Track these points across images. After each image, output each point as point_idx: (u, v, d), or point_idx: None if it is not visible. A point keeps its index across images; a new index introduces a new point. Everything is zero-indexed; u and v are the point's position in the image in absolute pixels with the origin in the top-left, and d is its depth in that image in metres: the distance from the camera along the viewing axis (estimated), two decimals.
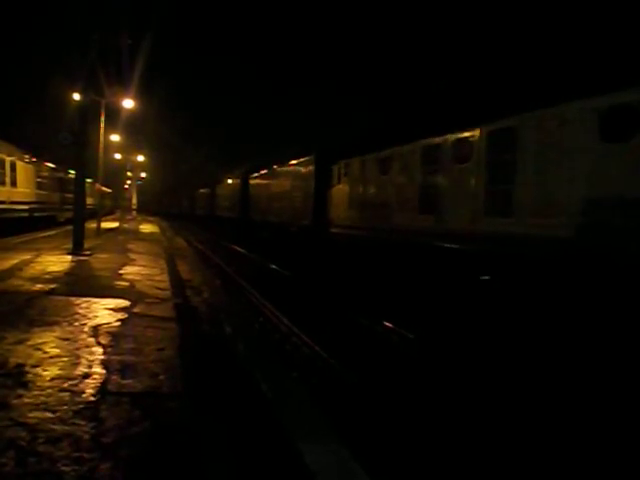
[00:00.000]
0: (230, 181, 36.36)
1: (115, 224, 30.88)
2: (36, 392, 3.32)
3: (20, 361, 3.91)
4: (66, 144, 11.83)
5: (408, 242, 11.42)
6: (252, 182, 29.75)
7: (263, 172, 27.19)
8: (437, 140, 10.76)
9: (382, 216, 13.01)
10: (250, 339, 6.27)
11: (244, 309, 9.98)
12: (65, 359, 4.03)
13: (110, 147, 30.85)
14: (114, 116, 23.73)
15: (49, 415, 2.98)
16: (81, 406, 3.14)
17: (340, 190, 16.13)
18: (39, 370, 3.74)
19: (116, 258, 11.80)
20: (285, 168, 22.71)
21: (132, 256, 12.58)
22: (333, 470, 2.77)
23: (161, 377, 3.77)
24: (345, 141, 17.06)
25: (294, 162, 21.24)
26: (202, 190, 50.78)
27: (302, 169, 19.99)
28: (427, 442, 4.45)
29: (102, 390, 3.43)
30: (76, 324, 5.18)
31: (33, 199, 22.54)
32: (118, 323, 5.36)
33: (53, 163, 26.30)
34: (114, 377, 3.69)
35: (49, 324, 5.10)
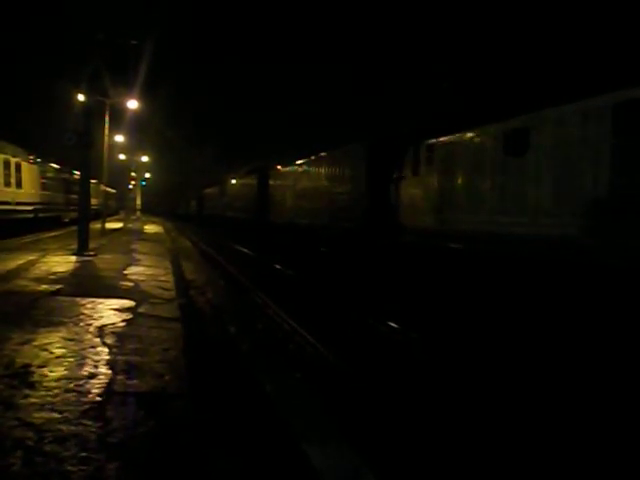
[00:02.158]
0: (244, 179, 33.18)
1: (119, 224, 30.95)
2: (42, 392, 3.34)
3: (26, 361, 3.93)
4: (71, 145, 11.87)
5: (568, 262, 7.35)
6: (272, 179, 26.38)
7: (287, 167, 23.79)
8: None
9: (514, 222, 8.60)
10: (254, 339, 6.29)
11: (248, 310, 9.97)
12: (71, 359, 4.05)
13: (114, 148, 30.94)
14: (118, 117, 23.82)
15: (56, 415, 2.99)
16: (87, 406, 3.15)
17: (419, 183, 11.86)
18: (45, 370, 3.76)
19: (121, 258, 11.84)
20: (318, 161, 19.41)
21: (136, 256, 12.62)
22: (339, 470, 2.78)
23: (166, 377, 3.78)
24: (428, 115, 12.92)
25: (331, 153, 18.06)
26: (210, 189, 47.99)
27: (344, 160, 16.60)
28: (431, 441, 4.45)
29: (108, 390, 3.45)
30: (81, 324, 5.21)
31: (38, 200, 22.62)
32: (123, 323, 5.38)
33: (58, 164, 26.40)
34: (120, 377, 3.71)
35: (55, 324, 5.13)
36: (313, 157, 20.12)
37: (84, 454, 2.55)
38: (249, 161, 33.71)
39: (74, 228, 15.08)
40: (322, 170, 18.80)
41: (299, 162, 21.91)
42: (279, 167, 25.44)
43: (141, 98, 21.19)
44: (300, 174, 21.65)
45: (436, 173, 11.25)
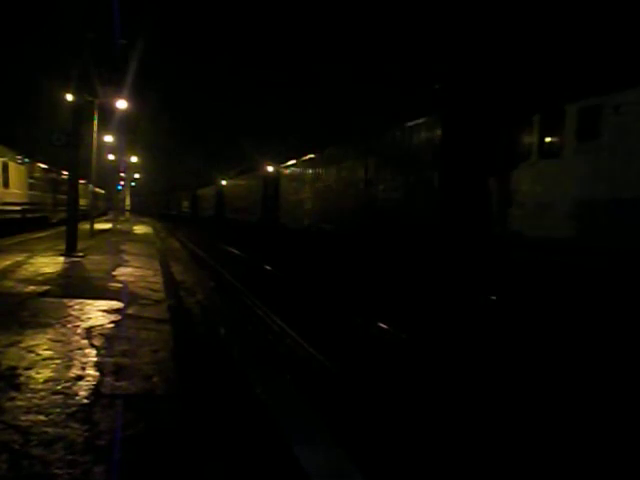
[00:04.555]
0: (246, 176, 29.96)
1: (108, 225, 30.74)
2: (29, 394, 3.30)
3: (13, 363, 3.89)
4: (59, 145, 11.77)
5: None
6: (285, 175, 22.54)
7: (305, 161, 19.85)
8: None
9: None
10: (244, 341, 6.27)
11: (238, 311, 9.95)
12: (58, 361, 4.01)
13: (103, 148, 30.74)
14: (108, 117, 23.68)
15: (42, 418, 2.96)
16: (74, 408, 3.12)
17: (560, 170, 7.81)
18: (32, 372, 3.72)
19: (109, 259, 11.75)
20: (353, 149, 15.22)
21: (125, 257, 12.53)
22: (328, 472, 2.77)
23: (155, 379, 3.76)
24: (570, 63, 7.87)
25: (377, 137, 13.75)
26: (205, 189, 45.18)
27: (399, 144, 12.40)
28: (420, 444, 4.46)
29: (96, 392, 3.42)
30: (69, 326, 5.16)
31: (25, 200, 22.40)
32: (111, 325, 5.34)
33: (46, 164, 26.17)
34: (108, 379, 3.68)
35: (42, 326, 5.08)
36: (346, 145, 15.93)
37: (71, 457, 2.53)
38: (248, 158, 31.49)
39: (62, 229, 14.97)
40: (359, 160, 14.63)
41: (323, 153, 17.95)
42: (293, 161, 21.49)
43: (130, 98, 21.11)
44: (324, 168, 17.64)
45: (610, 153, 7.03)
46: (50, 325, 5.14)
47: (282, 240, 20.19)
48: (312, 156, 19.20)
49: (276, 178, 23.97)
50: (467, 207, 9.61)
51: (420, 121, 11.55)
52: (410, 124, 11.97)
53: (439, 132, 10.73)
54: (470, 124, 9.83)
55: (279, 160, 24.18)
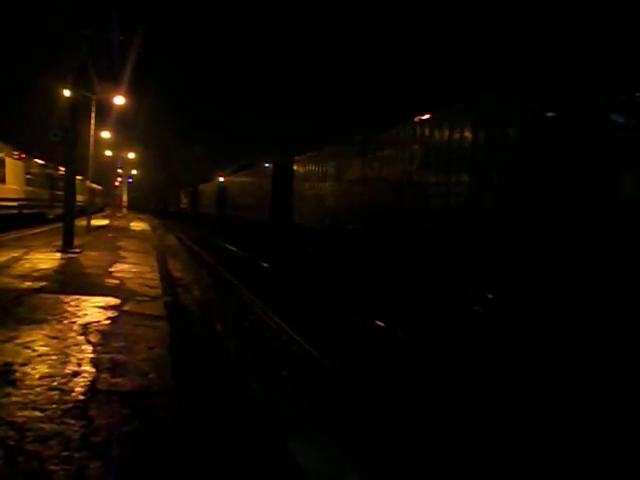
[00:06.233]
0: (252, 171, 28.06)
1: (105, 221, 30.68)
2: (25, 391, 3.29)
3: (8, 359, 3.88)
4: (56, 141, 11.73)
5: None
6: (300, 169, 20.41)
7: (327, 151, 17.37)
8: None
9: None
10: (240, 338, 6.27)
11: (234, 307, 9.94)
12: (54, 357, 4.00)
13: (101, 144, 30.67)
14: (105, 113, 23.62)
15: (38, 414, 2.95)
16: (70, 405, 3.12)
17: None
18: (28, 369, 3.70)
19: (106, 256, 11.72)
20: (394, 136, 12.43)
21: (122, 254, 12.50)
22: (324, 469, 2.78)
23: (151, 375, 3.75)
24: None
25: (427, 119, 10.84)
26: (206, 185, 43.19)
27: (460, 130, 9.56)
28: (413, 438, 4.46)
29: (92, 388, 3.41)
30: (65, 322, 5.15)
31: (22, 196, 22.33)
32: (108, 321, 5.33)
33: (43, 160, 26.08)
34: (104, 375, 3.67)
35: (38, 322, 5.06)
36: (380, 132, 13.41)
37: (67, 453, 2.53)
38: (253, 151, 30.20)
39: (59, 225, 14.90)
40: (400, 150, 12.10)
41: (350, 143, 15.43)
42: (310, 153, 19.33)
43: (128, 94, 21.07)
44: (351, 160, 15.06)
45: None
46: (46, 321, 5.12)
47: (296, 240, 18.42)
48: (334, 147, 16.69)
49: (288, 172, 21.41)
50: (572, 210, 6.95)
51: (498, 95, 8.79)
52: (480, 100, 9.26)
53: (526, 109, 8.07)
54: (574, 99, 7.17)
55: (290, 152, 21.91)
